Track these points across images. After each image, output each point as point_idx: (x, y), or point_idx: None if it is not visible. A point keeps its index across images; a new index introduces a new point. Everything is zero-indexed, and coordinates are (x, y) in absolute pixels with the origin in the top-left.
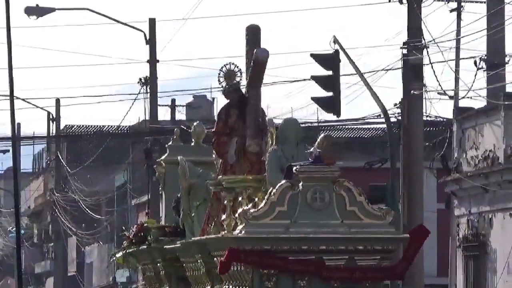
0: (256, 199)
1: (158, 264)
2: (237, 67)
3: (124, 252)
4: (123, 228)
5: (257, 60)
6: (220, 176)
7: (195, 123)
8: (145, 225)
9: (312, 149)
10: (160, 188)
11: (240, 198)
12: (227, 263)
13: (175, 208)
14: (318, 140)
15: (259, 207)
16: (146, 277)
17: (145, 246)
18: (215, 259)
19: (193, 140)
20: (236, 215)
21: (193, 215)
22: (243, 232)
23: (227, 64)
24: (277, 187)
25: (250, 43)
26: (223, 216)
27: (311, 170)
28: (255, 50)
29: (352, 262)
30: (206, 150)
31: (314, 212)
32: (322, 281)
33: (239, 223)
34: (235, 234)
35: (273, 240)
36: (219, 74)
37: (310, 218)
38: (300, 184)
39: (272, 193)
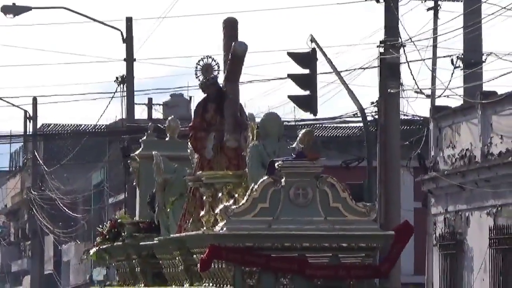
0: (236, 195)
1: (133, 261)
2: (215, 60)
3: (97, 248)
4: (100, 226)
5: (235, 54)
6: (200, 172)
7: (169, 118)
8: (118, 220)
9: (295, 145)
10: (134, 184)
11: (220, 194)
12: (208, 260)
13: (150, 203)
14: (300, 135)
15: (241, 204)
16: (120, 274)
17: (120, 243)
18: (195, 256)
19: (167, 135)
20: (217, 211)
21: (168, 210)
22: (224, 229)
23: (204, 58)
24: (259, 183)
25: (227, 37)
26: (202, 212)
27: (294, 165)
28: (233, 44)
29: (335, 260)
30: (180, 145)
31: (297, 209)
32: (305, 279)
33: (219, 220)
34: (216, 231)
35: (255, 237)
36: (196, 68)
37: (293, 215)
38: (283, 180)
39: (254, 189)
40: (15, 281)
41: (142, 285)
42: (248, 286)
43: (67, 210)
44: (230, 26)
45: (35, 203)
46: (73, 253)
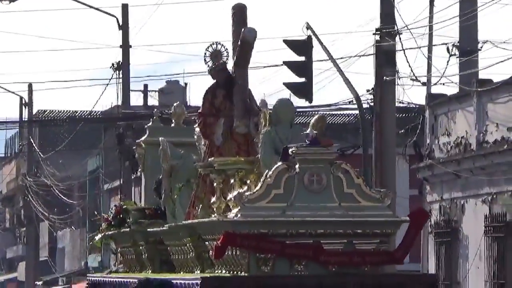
0: (249, 182)
1: (140, 247)
2: (224, 46)
3: (103, 234)
4: (95, 213)
5: (244, 40)
6: (212, 158)
7: (175, 104)
8: (124, 207)
9: (308, 131)
10: (134, 173)
11: (232, 181)
12: (222, 247)
13: (156, 190)
14: (313, 121)
15: (255, 190)
16: (125, 260)
17: (127, 229)
18: (207, 243)
19: (172, 121)
20: (229, 197)
21: (175, 197)
22: (239, 215)
23: (213, 44)
24: (273, 169)
25: (236, 23)
26: (213, 199)
27: (308, 152)
28: (242, 30)
29: (350, 246)
30: (186, 131)
31: (311, 195)
32: (319, 266)
33: (231, 206)
34: (230, 217)
35: (270, 224)
36: (205, 54)
37: (307, 201)
38: (297, 166)
39: (268, 176)
40: (10, 267)
41: (150, 271)
42: (263, 273)
43: (62, 197)
44: (239, 12)
45: (30, 190)
46: (68, 239)
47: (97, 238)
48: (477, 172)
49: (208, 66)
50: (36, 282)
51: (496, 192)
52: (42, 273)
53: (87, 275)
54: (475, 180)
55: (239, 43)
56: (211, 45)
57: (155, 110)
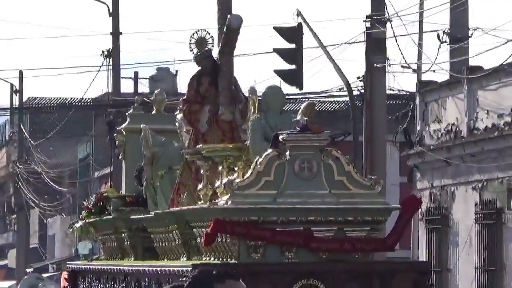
0: (236, 169)
1: (122, 235)
2: (209, 33)
3: (84, 222)
4: (85, 200)
5: (230, 27)
6: (200, 145)
7: (156, 91)
8: (104, 194)
9: (299, 118)
10: (120, 157)
11: (220, 168)
12: (212, 234)
13: (137, 177)
14: (302, 108)
15: (245, 177)
16: (106, 248)
17: (109, 216)
18: (195, 230)
19: (154, 108)
20: (217, 184)
21: (157, 184)
22: (229, 202)
23: (198, 31)
24: (263, 156)
25: (221, 10)
26: (199, 186)
27: (299, 139)
28: (228, 17)
29: (341, 233)
30: (167, 119)
31: (302, 182)
32: (310, 253)
33: (219, 193)
34: (220, 205)
35: (260, 211)
36: (190, 41)
37: (298, 188)
38: (287, 153)
39: (258, 163)
40: (0, 254)
41: (132, 259)
42: (253, 260)
43: (53, 184)
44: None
45: (21, 177)
46: (58, 226)
47: (77, 225)
48: (468, 159)
49: (193, 53)
50: (26, 269)
51: (487, 179)
52: (32, 260)
53: (67, 262)
54: (465, 167)
55: (224, 30)
56: (196, 32)
57: (136, 97)
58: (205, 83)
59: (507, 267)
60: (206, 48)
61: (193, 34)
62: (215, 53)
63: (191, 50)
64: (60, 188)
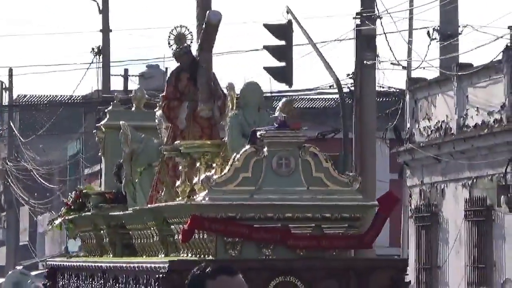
0: (214, 165)
1: (101, 231)
2: (188, 29)
3: (63, 219)
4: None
5: (209, 23)
6: (178, 142)
7: (134, 88)
8: (84, 191)
9: (277, 114)
10: (100, 154)
11: (198, 164)
12: (190, 231)
13: (116, 173)
14: (280, 105)
15: (223, 174)
16: (86, 245)
17: (89, 213)
18: (173, 226)
19: (133, 105)
20: (195, 181)
21: (136, 181)
22: (206, 199)
23: (177, 27)
24: (241, 152)
25: (200, 6)
26: (177, 182)
27: (277, 135)
28: (207, 13)
29: (318, 230)
30: (146, 115)
31: (280, 178)
32: (287, 250)
33: (197, 190)
34: (198, 201)
35: (238, 207)
36: (169, 37)
37: (276, 185)
38: (265, 149)
39: (236, 159)
40: None
41: (111, 255)
42: (230, 257)
43: (42, 181)
44: None
45: (10, 174)
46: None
47: (56, 222)
48: (458, 156)
49: (172, 49)
50: (16, 267)
51: (476, 176)
52: (22, 258)
53: (47, 259)
54: (455, 164)
55: (203, 26)
56: (175, 28)
57: (116, 94)
58: (184, 79)
59: (496, 264)
60: (185, 44)
61: (172, 30)
62: (194, 50)
63: (170, 46)
64: (50, 186)
